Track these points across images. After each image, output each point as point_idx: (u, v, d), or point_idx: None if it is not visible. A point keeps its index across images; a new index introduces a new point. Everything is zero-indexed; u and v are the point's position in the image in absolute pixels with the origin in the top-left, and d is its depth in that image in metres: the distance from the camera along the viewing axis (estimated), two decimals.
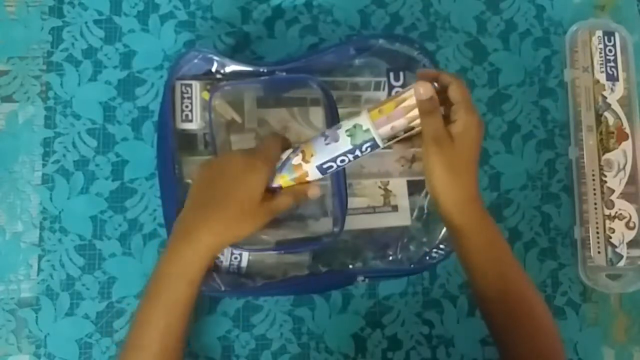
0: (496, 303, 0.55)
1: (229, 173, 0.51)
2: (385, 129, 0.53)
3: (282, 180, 0.55)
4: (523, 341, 0.54)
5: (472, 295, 0.59)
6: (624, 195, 0.72)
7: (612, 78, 0.74)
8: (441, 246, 0.64)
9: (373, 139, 0.53)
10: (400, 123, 0.53)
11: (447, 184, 0.52)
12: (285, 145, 0.56)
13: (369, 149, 0.54)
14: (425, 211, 0.66)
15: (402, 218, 0.66)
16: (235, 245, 0.58)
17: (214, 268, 0.60)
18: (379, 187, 0.66)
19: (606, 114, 0.74)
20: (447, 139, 0.52)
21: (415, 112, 0.52)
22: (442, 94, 0.53)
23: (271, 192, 0.54)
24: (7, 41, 0.67)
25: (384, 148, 0.54)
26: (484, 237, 0.54)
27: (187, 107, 0.62)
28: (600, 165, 0.73)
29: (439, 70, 0.59)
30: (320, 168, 0.54)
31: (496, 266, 0.55)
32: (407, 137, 0.55)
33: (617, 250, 0.71)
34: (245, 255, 0.61)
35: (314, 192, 0.56)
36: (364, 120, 0.53)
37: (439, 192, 0.53)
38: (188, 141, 0.63)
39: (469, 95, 0.53)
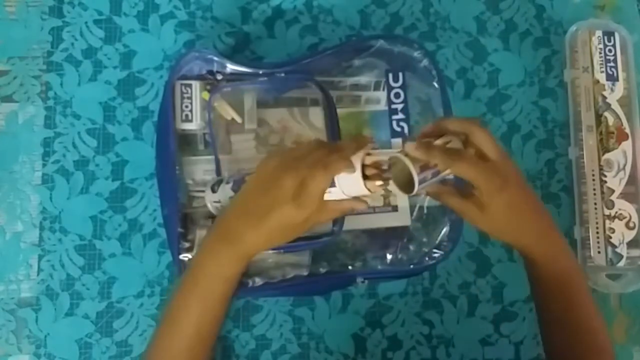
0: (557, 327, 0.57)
1: (276, 197, 0.49)
2: None
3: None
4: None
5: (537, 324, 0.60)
6: (624, 195, 0.72)
7: (612, 78, 0.74)
8: (441, 246, 0.64)
9: None
10: None
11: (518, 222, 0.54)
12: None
13: None
14: (425, 211, 0.66)
15: (402, 218, 0.66)
16: None
17: None
18: None
19: (606, 114, 0.74)
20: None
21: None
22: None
23: None
24: (7, 41, 0.67)
25: None
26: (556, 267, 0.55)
27: (187, 107, 0.62)
28: (600, 165, 0.73)
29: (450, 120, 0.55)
30: None
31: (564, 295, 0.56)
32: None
33: (617, 250, 0.71)
34: None
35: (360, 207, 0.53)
36: None
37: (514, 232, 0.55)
38: (188, 141, 0.63)
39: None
